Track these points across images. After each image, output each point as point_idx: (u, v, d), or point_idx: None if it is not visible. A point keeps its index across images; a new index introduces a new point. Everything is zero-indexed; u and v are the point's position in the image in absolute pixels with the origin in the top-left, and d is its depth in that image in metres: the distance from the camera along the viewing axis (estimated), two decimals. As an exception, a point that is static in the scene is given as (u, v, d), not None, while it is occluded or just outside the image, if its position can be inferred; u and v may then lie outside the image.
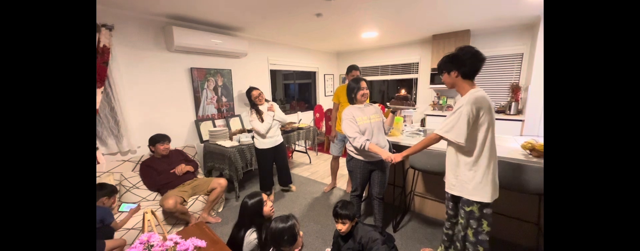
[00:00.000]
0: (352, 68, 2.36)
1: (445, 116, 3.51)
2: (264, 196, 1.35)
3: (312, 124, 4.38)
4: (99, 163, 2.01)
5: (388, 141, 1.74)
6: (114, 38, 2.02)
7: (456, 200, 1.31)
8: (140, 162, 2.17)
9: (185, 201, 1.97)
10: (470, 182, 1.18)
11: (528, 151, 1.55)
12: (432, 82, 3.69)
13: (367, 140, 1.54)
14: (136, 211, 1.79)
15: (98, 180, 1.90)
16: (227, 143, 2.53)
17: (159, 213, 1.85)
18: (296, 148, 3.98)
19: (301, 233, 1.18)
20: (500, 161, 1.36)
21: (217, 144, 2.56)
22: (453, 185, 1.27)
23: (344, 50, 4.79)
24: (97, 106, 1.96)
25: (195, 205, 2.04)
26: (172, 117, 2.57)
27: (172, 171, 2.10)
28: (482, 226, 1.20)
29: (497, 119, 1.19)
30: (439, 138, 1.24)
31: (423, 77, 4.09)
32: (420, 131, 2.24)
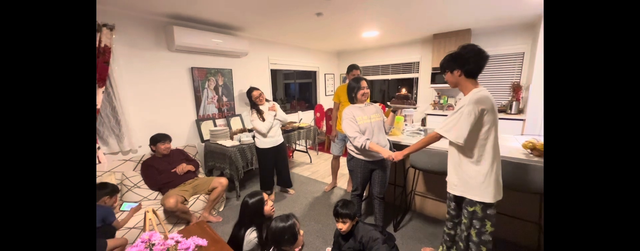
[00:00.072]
0: (352, 67, 2.36)
1: (446, 116, 3.50)
2: (265, 195, 1.35)
3: (312, 124, 4.39)
4: (100, 162, 2.02)
5: (389, 140, 1.74)
6: (115, 38, 2.03)
7: (458, 200, 1.30)
8: (141, 162, 2.18)
9: (186, 200, 1.97)
10: (472, 182, 1.17)
11: (529, 150, 1.55)
12: (433, 81, 3.68)
13: (368, 139, 1.54)
14: (137, 210, 1.80)
15: (99, 180, 1.90)
16: (227, 143, 2.53)
17: (160, 213, 1.86)
18: (297, 148, 3.99)
19: (301, 232, 1.19)
20: (501, 160, 1.35)
21: (217, 144, 2.57)
22: (455, 185, 1.26)
23: (345, 49, 4.79)
24: (99, 105, 1.97)
25: (196, 204, 2.05)
26: (173, 117, 2.57)
27: (173, 170, 2.11)
28: (485, 226, 1.19)
29: (498, 118, 1.18)
30: (439, 137, 1.24)
31: (424, 77, 4.09)
32: (420, 130, 2.24)
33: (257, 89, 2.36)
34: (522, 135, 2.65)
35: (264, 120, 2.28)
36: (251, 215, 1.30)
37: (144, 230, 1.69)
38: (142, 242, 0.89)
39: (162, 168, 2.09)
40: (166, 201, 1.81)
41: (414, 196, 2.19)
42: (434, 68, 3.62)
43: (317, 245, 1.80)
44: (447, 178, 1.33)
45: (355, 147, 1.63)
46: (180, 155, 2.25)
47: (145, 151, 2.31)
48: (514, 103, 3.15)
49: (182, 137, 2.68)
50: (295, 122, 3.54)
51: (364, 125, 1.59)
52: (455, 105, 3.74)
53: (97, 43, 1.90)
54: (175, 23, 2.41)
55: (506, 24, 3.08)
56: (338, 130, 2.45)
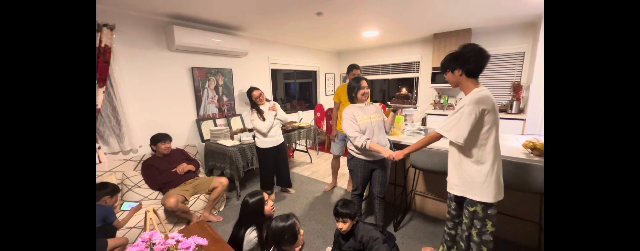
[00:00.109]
0: (352, 67, 2.36)
1: (446, 115, 3.50)
2: (265, 195, 1.35)
3: (312, 123, 4.38)
4: (100, 162, 2.02)
5: (389, 140, 1.74)
6: (116, 37, 2.03)
7: (459, 200, 1.30)
8: (141, 161, 2.18)
9: (186, 200, 1.98)
10: (473, 182, 1.17)
11: (529, 150, 1.55)
12: (433, 81, 3.68)
13: (368, 139, 1.54)
14: (137, 210, 1.80)
15: (100, 179, 1.91)
16: (228, 143, 2.54)
17: (161, 212, 1.86)
18: (297, 148, 3.99)
19: (302, 231, 1.19)
20: (502, 160, 1.35)
21: (218, 143, 2.57)
22: (455, 185, 1.26)
23: (345, 49, 4.78)
24: (99, 105, 1.97)
25: (197, 204, 2.05)
26: (173, 116, 2.58)
27: (173, 170, 2.11)
28: (486, 226, 1.19)
29: (499, 118, 1.18)
30: (440, 136, 1.24)
31: (424, 76, 4.09)
32: (421, 130, 2.24)
33: (258, 89, 2.36)
34: (522, 134, 2.65)
35: (264, 119, 2.28)
36: (251, 214, 1.30)
37: (144, 229, 1.69)
38: (142, 241, 0.89)
39: (162, 168, 2.09)
40: (167, 200, 1.81)
41: (414, 195, 2.19)
42: (434, 68, 3.62)
43: (318, 244, 1.81)
44: (448, 178, 1.32)
45: (356, 147, 1.63)
46: (180, 155, 2.26)
47: (146, 151, 2.31)
48: (515, 103, 3.15)
49: (183, 137, 2.69)
50: (295, 122, 3.54)
51: (364, 124, 1.59)
52: (455, 104, 3.74)
53: (98, 43, 1.90)
54: (176, 23, 2.42)
55: (506, 24, 3.07)
56: (338, 129, 2.45)
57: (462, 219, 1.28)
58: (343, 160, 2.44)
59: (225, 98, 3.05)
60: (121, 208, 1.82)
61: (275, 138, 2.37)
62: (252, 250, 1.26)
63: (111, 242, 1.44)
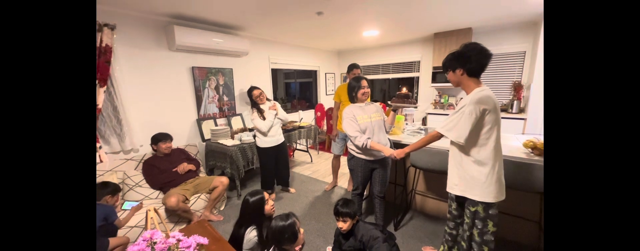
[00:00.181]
0: (353, 67, 2.36)
1: (446, 115, 3.50)
2: (265, 195, 1.36)
3: (313, 123, 4.39)
4: (101, 161, 2.03)
5: (389, 140, 1.74)
6: (116, 37, 2.04)
7: (460, 200, 1.29)
8: (142, 161, 2.19)
9: (187, 199, 1.98)
10: (474, 181, 1.17)
11: (529, 149, 1.55)
12: (434, 80, 3.68)
13: (369, 138, 1.54)
14: (138, 209, 1.81)
15: (101, 179, 1.92)
16: (228, 142, 2.54)
17: (162, 211, 1.87)
18: (297, 147, 3.99)
19: (302, 230, 1.19)
20: (503, 159, 1.35)
21: (218, 143, 2.57)
22: (455, 185, 1.26)
23: (345, 48, 4.78)
24: (100, 105, 1.98)
25: (198, 204, 2.06)
26: (174, 116, 2.58)
27: (174, 170, 2.12)
28: (487, 226, 1.19)
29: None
30: (440, 136, 1.24)
31: (425, 76, 4.08)
32: (421, 130, 2.24)
33: (258, 88, 2.36)
34: (523, 134, 2.65)
35: (264, 119, 2.29)
36: (252, 213, 1.31)
37: (145, 228, 1.70)
38: (143, 240, 0.89)
39: (163, 167, 2.10)
40: (167, 200, 1.82)
41: (414, 195, 2.19)
42: (434, 68, 3.61)
43: (318, 243, 1.81)
44: (448, 178, 1.32)
45: (356, 146, 1.63)
46: (181, 155, 2.26)
47: (147, 150, 2.31)
48: (515, 102, 3.14)
49: (183, 137, 2.69)
50: (295, 121, 3.55)
51: (364, 124, 1.59)
52: (456, 104, 3.74)
53: (99, 43, 1.90)
54: (176, 23, 2.42)
55: (507, 23, 3.07)
56: (339, 129, 2.45)
57: (464, 219, 1.28)
58: (343, 160, 2.44)
59: (225, 98, 3.05)
60: (122, 208, 1.83)
61: (275, 138, 2.37)
62: (252, 249, 1.26)
63: (112, 241, 1.45)
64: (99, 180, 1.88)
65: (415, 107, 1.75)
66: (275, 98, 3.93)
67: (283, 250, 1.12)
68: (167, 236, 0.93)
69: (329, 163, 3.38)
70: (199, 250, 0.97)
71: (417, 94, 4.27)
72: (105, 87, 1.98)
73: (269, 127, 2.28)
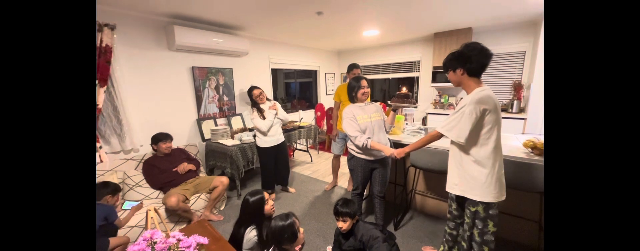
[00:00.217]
0: (353, 66, 2.36)
1: (446, 115, 3.50)
2: (265, 194, 1.36)
3: (313, 123, 4.39)
4: (102, 161, 2.03)
5: (389, 139, 1.75)
6: (116, 37, 2.04)
7: (460, 200, 1.29)
8: (143, 161, 2.19)
9: (187, 199, 1.98)
10: (474, 181, 1.17)
11: (529, 149, 1.55)
12: (434, 80, 3.67)
13: (369, 138, 1.54)
14: (138, 209, 1.81)
15: (101, 179, 1.92)
16: (228, 142, 2.54)
17: (162, 211, 1.87)
18: (297, 147, 3.99)
19: (301, 230, 1.19)
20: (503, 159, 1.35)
21: (218, 143, 2.57)
22: (455, 185, 1.26)
23: (345, 48, 4.78)
24: (100, 105, 1.98)
25: (198, 203, 2.06)
26: (174, 116, 2.58)
27: (174, 169, 2.12)
28: (487, 226, 1.19)
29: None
30: (441, 135, 1.24)
31: (425, 75, 4.08)
32: (421, 129, 2.24)
33: (258, 88, 2.36)
34: (523, 134, 2.65)
35: (264, 118, 2.29)
36: (251, 213, 1.31)
37: (145, 228, 1.70)
38: (144, 240, 0.90)
39: (163, 167, 2.10)
40: (168, 200, 1.82)
41: (414, 195, 2.19)
42: (435, 67, 3.61)
43: (318, 243, 1.81)
44: (448, 178, 1.32)
45: (356, 146, 1.63)
46: (181, 154, 2.26)
47: (147, 150, 2.32)
48: (515, 102, 3.14)
49: (183, 136, 2.69)
50: (295, 121, 3.55)
51: (364, 124, 1.59)
52: (456, 104, 3.74)
53: (99, 43, 1.91)
54: (176, 23, 2.42)
55: (507, 23, 3.06)
56: (339, 129, 2.45)
57: (464, 219, 1.28)
58: (343, 160, 2.44)
59: (225, 98, 3.05)
60: (122, 207, 1.83)
61: (275, 138, 2.37)
62: (252, 249, 1.26)
63: (113, 241, 1.45)
64: (99, 179, 1.89)
65: (415, 107, 1.75)
66: (275, 98, 3.93)
67: (283, 249, 1.12)
68: (167, 236, 0.93)
69: (329, 163, 3.38)
70: (199, 250, 0.97)
71: (417, 94, 4.27)
72: (106, 87, 1.98)
73: (268, 126, 2.28)
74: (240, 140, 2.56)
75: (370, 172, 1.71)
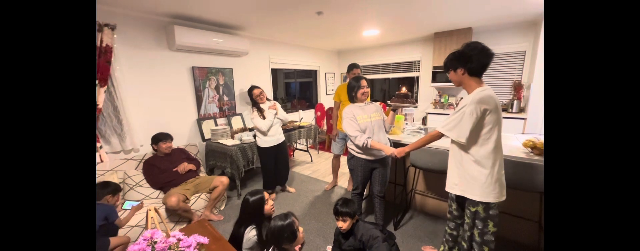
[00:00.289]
0: (353, 66, 2.36)
1: (446, 114, 3.50)
2: (265, 194, 1.36)
3: (313, 123, 4.39)
4: (102, 161, 2.03)
5: (389, 139, 1.75)
6: (117, 37, 2.04)
7: (460, 200, 1.29)
8: (143, 161, 2.19)
9: (187, 199, 1.99)
10: (474, 181, 1.16)
11: (529, 149, 1.55)
12: (434, 80, 3.67)
13: (369, 137, 1.54)
14: (139, 208, 1.81)
15: (102, 179, 1.92)
16: (228, 142, 2.54)
17: (162, 211, 1.87)
18: (297, 147, 4.00)
19: (301, 229, 1.19)
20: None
21: (218, 143, 2.58)
22: (455, 184, 1.25)
23: (345, 48, 4.78)
24: (101, 105, 1.98)
25: (198, 203, 2.06)
26: (174, 116, 2.58)
27: (174, 169, 2.12)
28: (487, 226, 1.19)
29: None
30: (441, 135, 1.23)
31: (425, 75, 4.08)
32: (421, 129, 2.24)
33: (258, 87, 2.37)
34: (523, 133, 2.65)
35: (264, 118, 2.29)
36: (251, 213, 1.31)
37: (146, 228, 1.70)
38: (144, 240, 0.90)
39: (163, 167, 2.10)
40: (168, 200, 1.82)
41: (414, 194, 2.19)
42: (435, 67, 3.61)
43: (318, 243, 1.81)
44: (447, 177, 1.32)
45: (356, 146, 1.63)
46: (181, 154, 2.27)
47: (147, 150, 2.32)
48: (515, 102, 3.14)
49: (184, 136, 2.69)
50: (296, 121, 3.55)
51: (364, 124, 1.59)
52: (456, 104, 3.73)
53: (99, 43, 1.91)
54: (176, 22, 2.42)
55: (507, 22, 3.06)
56: (339, 129, 2.45)
57: (464, 219, 1.28)
58: (343, 159, 2.44)
59: (225, 98, 3.05)
60: (123, 207, 1.83)
61: (275, 137, 2.37)
62: (252, 248, 1.26)
63: (113, 241, 1.45)
64: (99, 179, 1.89)
65: (415, 107, 1.75)
66: (275, 98, 3.93)
67: (283, 249, 1.12)
68: (168, 236, 0.93)
69: (329, 163, 3.39)
70: (199, 249, 0.97)
71: (417, 94, 4.27)
72: (106, 86, 1.98)
73: (268, 126, 2.28)
74: (241, 140, 2.56)
75: (370, 172, 1.71)
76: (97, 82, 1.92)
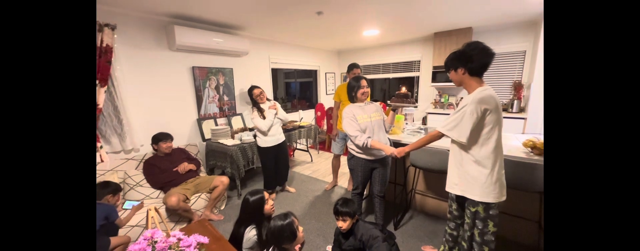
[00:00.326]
0: (353, 66, 2.36)
1: (447, 114, 3.49)
2: (266, 194, 1.36)
3: (313, 123, 4.39)
4: (102, 161, 2.03)
5: (389, 139, 1.75)
6: (117, 37, 2.04)
7: (460, 200, 1.29)
8: (143, 160, 2.19)
9: (188, 199, 1.99)
10: (474, 182, 1.16)
11: (529, 149, 1.55)
12: (434, 79, 3.67)
13: (369, 137, 1.54)
14: (139, 208, 1.81)
15: (102, 178, 1.92)
16: (229, 142, 2.54)
17: (162, 211, 1.87)
18: (297, 147, 4.00)
19: (301, 229, 1.19)
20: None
21: (219, 142, 2.58)
22: (455, 184, 1.25)
23: (345, 48, 4.78)
24: (101, 105, 1.98)
25: (198, 203, 2.07)
26: (174, 116, 2.59)
27: (175, 169, 2.12)
28: (487, 226, 1.19)
29: (501, 117, 1.17)
30: (441, 135, 1.23)
31: (425, 75, 4.08)
32: (421, 129, 2.24)
33: (258, 87, 2.37)
34: (523, 133, 2.64)
35: (264, 118, 2.29)
36: (251, 212, 1.31)
37: (146, 227, 1.70)
38: (144, 239, 0.90)
39: (164, 167, 2.10)
40: (168, 199, 1.82)
41: (414, 194, 2.19)
42: (435, 67, 3.61)
43: (318, 243, 1.82)
44: (448, 177, 1.32)
45: (357, 146, 1.63)
46: (181, 154, 2.27)
47: (147, 150, 2.32)
48: (515, 101, 3.14)
49: (184, 136, 2.70)
50: (296, 121, 3.55)
51: (364, 123, 1.59)
52: (456, 104, 3.73)
53: (99, 43, 1.91)
54: (176, 22, 2.42)
55: (508, 22, 3.06)
56: (339, 129, 2.45)
57: (464, 219, 1.28)
58: (343, 159, 2.44)
59: (226, 98, 3.05)
60: (123, 207, 1.83)
61: (276, 137, 2.37)
62: (252, 248, 1.27)
63: (113, 240, 1.46)
64: (100, 179, 1.89)
65: (415, 107, 1.75)
66: (275, 98, 3.93)
67: (283, 249, 1.13)
68: (168, 236, 0.93)
69: (329, 163, 3.39)
70: (199, 249, 0.98)
71: (417, 94, 4.27)
72: (106, 86, 1.99)
73: (269, 126, 2.29)
74: (241, 140, 2.57)
75: (370, 172, 1.72)
76: (97, 82, 1.92)
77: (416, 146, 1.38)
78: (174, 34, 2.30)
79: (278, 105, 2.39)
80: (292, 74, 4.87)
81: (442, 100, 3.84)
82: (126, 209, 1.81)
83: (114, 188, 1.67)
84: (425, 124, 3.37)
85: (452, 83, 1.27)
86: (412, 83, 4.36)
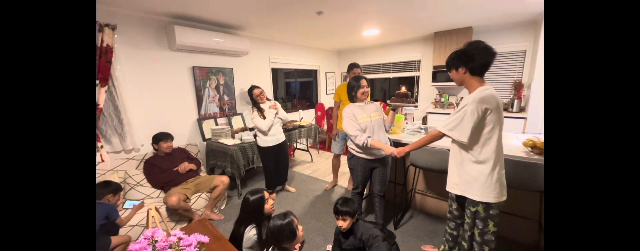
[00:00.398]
0: (353, 66, 2.36)
1: (447, 114, 3.49)
2: (266, 194, 1.36)
3: (313, 122, 4.39)
4: (103, 161, 2.04)
5: (389, 139, 1.75)
6: (117, 37, 2.04)
7: (460, 200, 1.29)
8: (144, 160, 2.19)
9: (188, 198, 1.99)
10: (474, 181, 1.16)
11: (529, 148, 1.55)
12: (434, 79, 3.67)
13: (369, 137, 1.54)
14: (139, 208, 1.82)
15: (103, 178, 1.92)
16: (229, 142, 2.54)
17: (163, 210, 1.87)
18: (298, 147, 4.00)
19: (301, 228, 1.20)
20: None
21: (219, 142, 2.58)
22: (455, 184, 1.25)
23: (345, 48, 4.78)
24: (101, 105, 1.99)
25: (198, 202, 2.07)
26: (174, 116, 2.59)
27: (175, 169, 2.13)
28: (488, 226, 1.19)
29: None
30: (442, 135, 1.23)
31: (425, 75, 4.08)
32: (421, 129, 2.24)
33: (258, 87, 2.37)
34: (523, 133, 2.64)
35: (265, 118, 2.29)
36: (252, 212, 1.31)
37: (147, 227, 1.71)
38: (145, 239, 0.90)
39: (164, 166, 2.10)
40: (168, 199, 1.83)
41: (414, 194, 2.19)
42: (435, 67, 3.61)
43: (318, 242, 1.82)
44: (448, 177, 1.32)
45: (357, 145, 1.63)
46: (182, 154, 2.27)
47: (148, 150, 2.32)
48: (516, 101, 3.14)
49: (184, 136, 2.70)
50: (296, 121, 3.55)
51: (364, 123, 1.59)
52: (456, 103, 3.73)
53: (100, 43, 1.91)
54: (177, 22, 2.42)
55: (508, 22, 3.06)
56: (339, 128, 2.45)
57: (464, 219, 1.28)
58: (343, 159, 2.44)
59: (226, 98, 3.06)
60: (124, 207, 1.83)
61: (276, 137, 2.37)
62: (252, 248, 1.27)
63: (114, 240, 1.46)
64: (100, 179, 1.89)
65: (415, 106, 1.75)
66: (275, 98, 3.93)
67: (283, 248, 1.13)
68: (168, 235, 0.93)
69: (329, 163, 3.39)
70: (199, 249, 0.98)
71: (418, 93, 4.27)
72: (107, 86, 1.99)
73: (269, 126, 2.29)
74: (241, 140, 2.57)
75: (370, 171, 1.72)
76: (97, 81, 1.92)
77: (416, 146, 1.38)
78: (174, 34, 2.30)
79: (278, 105, 2.39)
80: (292, 74, 4.87)
81: (442, 99, 3.83)
82: (127, 209, 1.81)
83: (114, 188, 1.68)
84: (425, 124, 3.37)
85: (452, 83, 1.27)
86: (412, 82, 4.35)
